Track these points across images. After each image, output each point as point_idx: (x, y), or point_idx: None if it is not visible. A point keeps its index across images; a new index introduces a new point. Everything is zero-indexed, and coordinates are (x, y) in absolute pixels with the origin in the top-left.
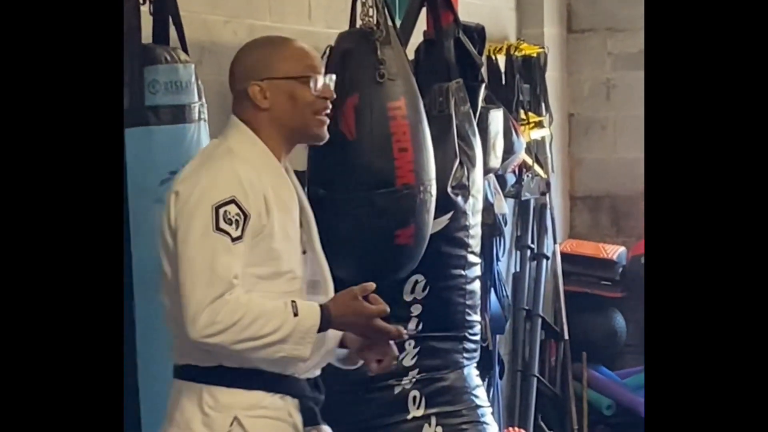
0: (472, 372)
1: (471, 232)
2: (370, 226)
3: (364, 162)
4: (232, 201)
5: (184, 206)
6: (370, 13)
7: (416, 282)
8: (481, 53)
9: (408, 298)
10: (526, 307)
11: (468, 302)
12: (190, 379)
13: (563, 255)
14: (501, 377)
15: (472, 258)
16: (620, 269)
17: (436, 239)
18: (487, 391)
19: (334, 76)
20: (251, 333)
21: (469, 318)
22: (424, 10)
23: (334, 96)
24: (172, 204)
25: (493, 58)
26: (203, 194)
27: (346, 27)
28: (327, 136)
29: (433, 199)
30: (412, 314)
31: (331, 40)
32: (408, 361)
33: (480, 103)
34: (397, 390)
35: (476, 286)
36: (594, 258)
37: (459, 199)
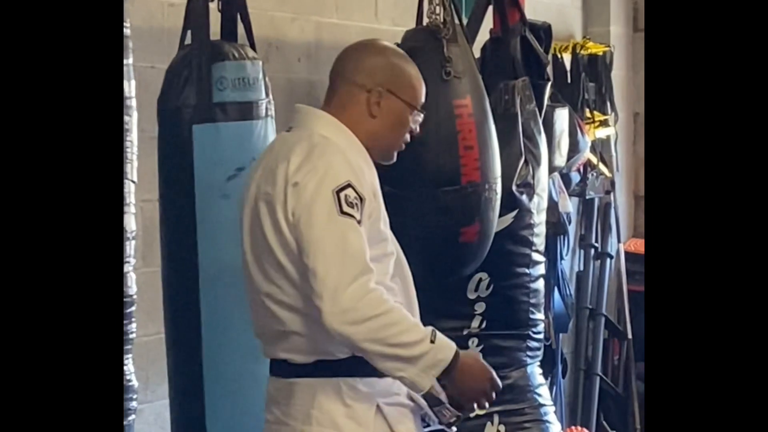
0: (535, 370)
1: (535, 230)
2: (435, 223)
3: (429, 159)
4: (349, 185)
5: (302, 194)
6: (437, 11)
7: (480, 280)
8: (547, 51)
9: (472, 296)
10: (590, 306)
11: (532, 300)
12: (323, 375)
13: (627, 254)
14: (564, 376)
15: (536, 256)
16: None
17: (500, 237)
18: (550, 390)
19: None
20: (385, 336)
21: (532, 316)
22: (490, 8)
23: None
24: (290, 196)
25: (559, 56)
26: (322, 180)
27: (412, 25)
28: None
29: (498, 197)
30: (476, 312)
31: (397, 37)
32: None
33: (546, 102)
34: None
35: (540, 284)
36: None
37: (524, 197)
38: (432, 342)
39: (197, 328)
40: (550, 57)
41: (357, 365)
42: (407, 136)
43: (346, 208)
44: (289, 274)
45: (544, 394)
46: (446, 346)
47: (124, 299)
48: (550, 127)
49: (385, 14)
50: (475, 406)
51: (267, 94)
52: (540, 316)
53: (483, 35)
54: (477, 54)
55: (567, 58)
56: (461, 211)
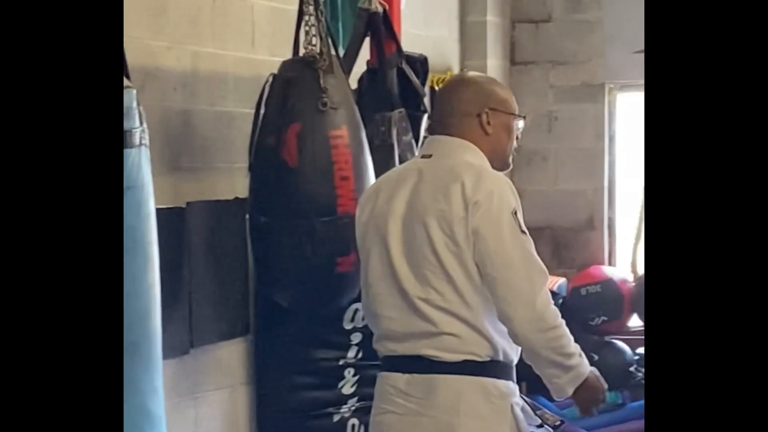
0: None
1: None
2: (311, 253)
3: (305, 190)
4: (515, 209)
5: (487, 213)
6: (314, 42)
7: (357, 310)
8: (424, 83)
9: (348, 326)
10: None
11: None
12: (470, 373)
13: None
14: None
15: None
16: (560, 300)
17: None
18: None
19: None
20: (559, 345)
21: None
22: (367, 40)
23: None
24: (471, 213)
25: (436, 88)
26: (502, 203)
27: (289, 55)
28: (512, 165)
29: None
30: (352, 342)
31: (274, 67)
32: (347, 389)
33: (422, 133)
34: (336, 418)
35: None
36: None
37: None
38: (580, 356)
39: None
40: (427, 89)
41: (498, 367)
42: (515, 143)
43: (523, 228)
44: (455, 281)
45: None
46: (586, 362)
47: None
48: None
49: (262, 44)
50: (587, 413)
51: (141, 123)
52: None
53: (360, 66)
54: (354, 85)
55: None
56: (338, 241)
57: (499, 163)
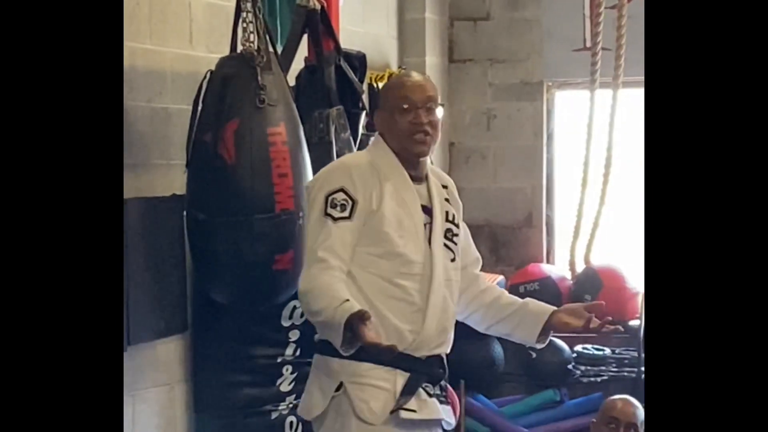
0: None
1: None
2: (249, 251)
3: (243, 187)
4: (341, 189)
5: (308, 197)
6: (251, 39)
7: (295, 307)
8: (362, 81)
9: (286, 323)
10: None
11: None
12: (318, 352)
13: None
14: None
15: None
16: None
17: None
18: None
19: (440, 109)
20: (307, 306)
21: None
22: (305, 37)
23: (432, 121)
24: (306, 195)
25: (375, 85)
26: (321, 186)
27: (227, 52)
28: (426, 153)
29: None
30: (290, 339)
31: (211, 64)
32: (285, 387)
33: (360, 130)
34: (274, 415)
35: None
36: None
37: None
38: (336, 309)
39: None
40: (365, 86)
41: (332, 347)
42: (416, 128)
43: (329, 209)
44: None
45: None
46: (343, 313)
47: None
48: None
49: (200, 41)
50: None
51: None
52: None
53: (298, 63)
54: (292, 82)
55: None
56: (275, 238)
57: (405, 154)
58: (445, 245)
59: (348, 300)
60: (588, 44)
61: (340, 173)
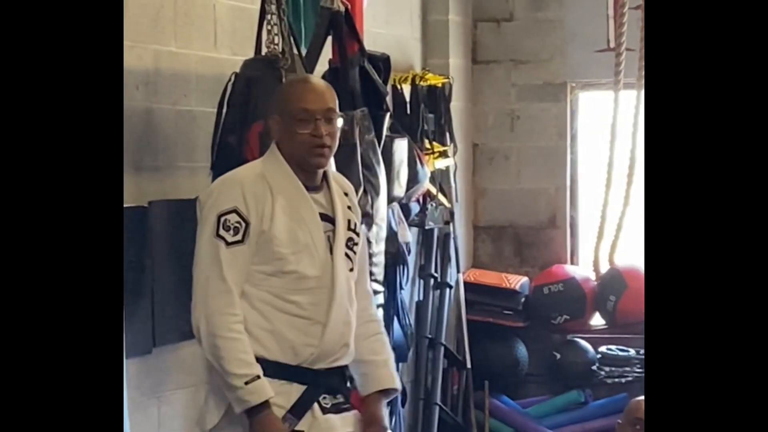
0: None
1: (374, 260)
2: None
3: None
4: (234, 210)
5: (199, 212)
6: (276, 41)
7: None
8: (386, 82)
9: None
10: (429, 336)
11: None
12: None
13: (466, 284)
14: (403, 405)
15: (375, 286)
16: (522, 299)
17: None
18: (390, 419)
19: (340, 120)
20: (212, 349)
21: None
22: (329, 39)
23: (331, 133)
24: (197, 209)
25: (399, 87)
26: (213, 205)
27: (251, 54)
28: (324, 165)
29: None
30: None
31: (236, 66)
32: None
33: (384, 132)
34: None
35: (379, 314)
36: (497, 287)
37: (363, 227)
38: (247, 384)
39: None
40: (389, 88)
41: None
42: (316, 140)
43: (221, 231)
44: None
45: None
46: (257, 391)
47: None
48: (389, 157)
49: (224, 43)
50: None
51: None
52: None
53: (322, 65)
54: None
55: (406, 89)
56: None
57: (301, 164)
58: (346, 254)
59: (259, 377)
60: (612, 45)
61: (232, 191)
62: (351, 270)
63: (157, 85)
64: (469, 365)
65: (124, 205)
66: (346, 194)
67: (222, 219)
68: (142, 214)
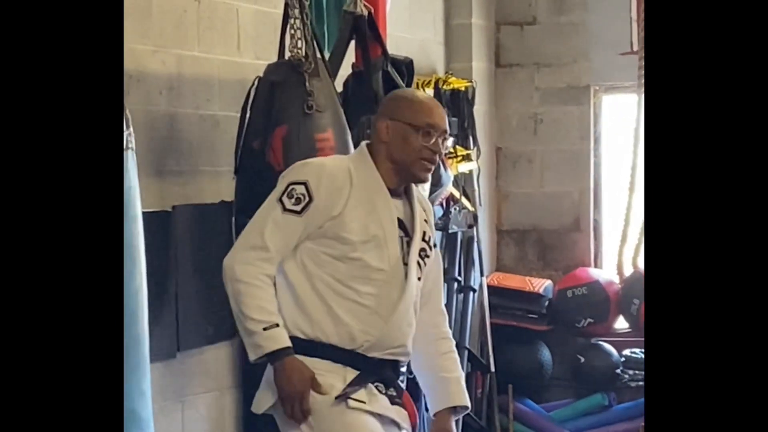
0: None
1: None
2: None
3: None
4: (304, 183)
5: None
6: (299, 45)
7: None
8: (409, 86)
9: None
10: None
11: None
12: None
13: (490, 288)
14: (427, 410)
15: None
16: (546, 302)
17: None
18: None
19: (451, 140)
20: (236, 295)
21: None
22: (353, 43)
23: (441, 151)
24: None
25: (422, 91)
26: (289, 174)
27: (274, 58)
28: (427, 180)
29: None
30: None
31: (259, 71)
32: None
33: None
34: None
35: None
36: (520, 291)
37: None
38: (266, 329)
39: None
40: None
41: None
42: (428, 153)
43: (284, 199)
44: None
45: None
46: (278, 338)
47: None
48: None
49: (247, 47)
50: (288, 413)
51: (127, 126)
52: None
53: (345, 69)
54: (339, 88)
55: (429, 92)
56: None
57: (405, 172)
58: (417, 262)
59: (278, 325)
60: (635, 48)
61: (312, 169)
62: (419, 278)
63: (180, 89)
64: (493, 369)
65: (148, 210)
66: (424, 210)
67: (290, 187)
68: (166, 219)
